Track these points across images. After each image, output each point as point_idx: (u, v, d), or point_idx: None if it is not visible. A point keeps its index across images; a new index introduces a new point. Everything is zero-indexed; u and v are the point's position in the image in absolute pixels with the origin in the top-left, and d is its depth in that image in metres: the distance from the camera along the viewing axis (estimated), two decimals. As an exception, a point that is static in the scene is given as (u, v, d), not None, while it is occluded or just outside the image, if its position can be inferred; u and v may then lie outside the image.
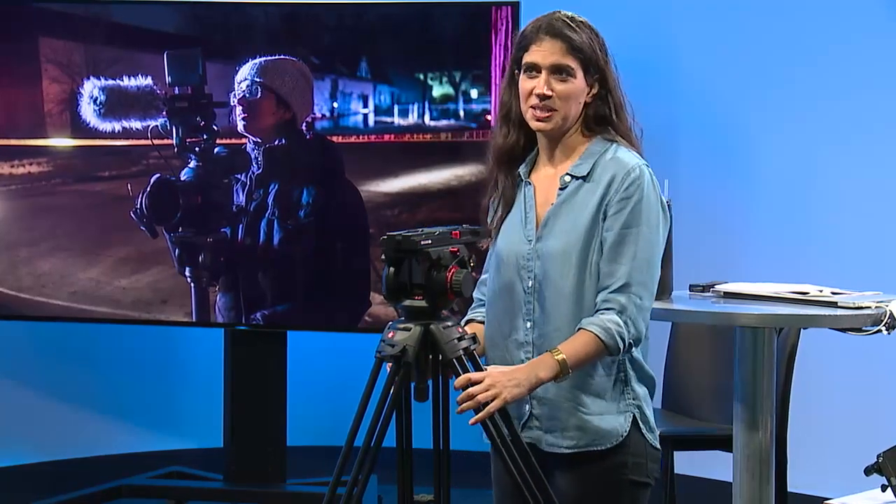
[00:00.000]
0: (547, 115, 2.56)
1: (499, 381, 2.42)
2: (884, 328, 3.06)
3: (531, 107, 2.57)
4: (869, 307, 3.08)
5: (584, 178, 2.57)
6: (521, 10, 4.41)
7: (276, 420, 4.74)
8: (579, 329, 2.50)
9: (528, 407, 2.60)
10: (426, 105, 4.54)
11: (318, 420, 5.12)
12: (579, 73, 2.56)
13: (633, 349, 2.56)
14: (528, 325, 2.58)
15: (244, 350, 4.72)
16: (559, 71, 2.55)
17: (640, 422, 2.58)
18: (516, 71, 2.61)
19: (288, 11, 4.65)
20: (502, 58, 4.43)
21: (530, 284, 2.58)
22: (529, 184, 2.64)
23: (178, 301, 4.69)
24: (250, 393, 4.72)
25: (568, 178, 2.59)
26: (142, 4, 4.75)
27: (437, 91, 4.54)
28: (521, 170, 2.66)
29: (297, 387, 4.90)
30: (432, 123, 4.54)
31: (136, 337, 5.38)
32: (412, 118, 4.55)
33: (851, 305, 3.09)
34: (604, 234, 2.53)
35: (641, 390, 2.60)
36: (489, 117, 4.47)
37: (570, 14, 2.60)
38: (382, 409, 2.40)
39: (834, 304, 3.12)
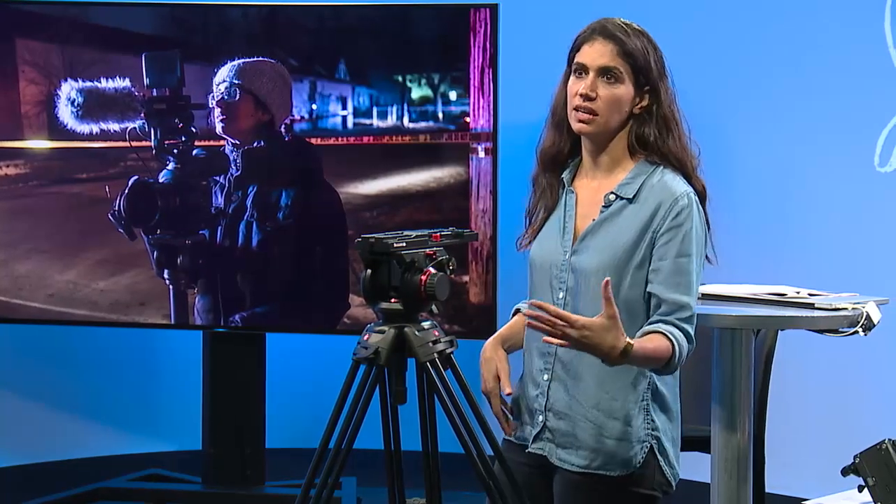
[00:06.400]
0: (588, 117, 2.49)
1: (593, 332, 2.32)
2: (860, 329, 3.06)
3: (575, 108, 2.51)
4: (846, 308, 3.09)
5: (630, 200, 2.51)
6: (499, 12, 4.41)
7: (254, 422, 4.74)
8: (653, 331, 2.43)
9: (542, 418, 2.55)
10: (405, 107, 4.53)
11: (297, 422, 5.10)
12: (628, 80, 2.50)
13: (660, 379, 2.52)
14: None
15: (223, 352, 4.71)
16: (607, 74, 2.49)
17: (657, 453, 2.51)
18: (569, 73, 2.55)
19: (266, 13, 4.64)
20: (481, 60, 4.43)
21: (561, 296, 2.53)
22: (572, 191, 2.59)
23: (157, 303, 4.67)
24: (229, 395, 4.71)
25: (613, 197, 2.52)
26: (119, 6, 4.74)
27: (416, 93, 4.54)
28: (565, 175, 2.60)
29: (276, 389, 4.89)
30: (411, 125, 4.54)
31: (114, 339, 5.36)
32: (391, 120, 4.55)
33: (828, 307, 3.09)
34: (656, 262, 2.47)
35: (662, 422, 2.53)
36: (468, 119, 4.47)
37: (628, 21, 2.54)
38: (354, 411, 2.39)
39: (811, 306, 3.12)
